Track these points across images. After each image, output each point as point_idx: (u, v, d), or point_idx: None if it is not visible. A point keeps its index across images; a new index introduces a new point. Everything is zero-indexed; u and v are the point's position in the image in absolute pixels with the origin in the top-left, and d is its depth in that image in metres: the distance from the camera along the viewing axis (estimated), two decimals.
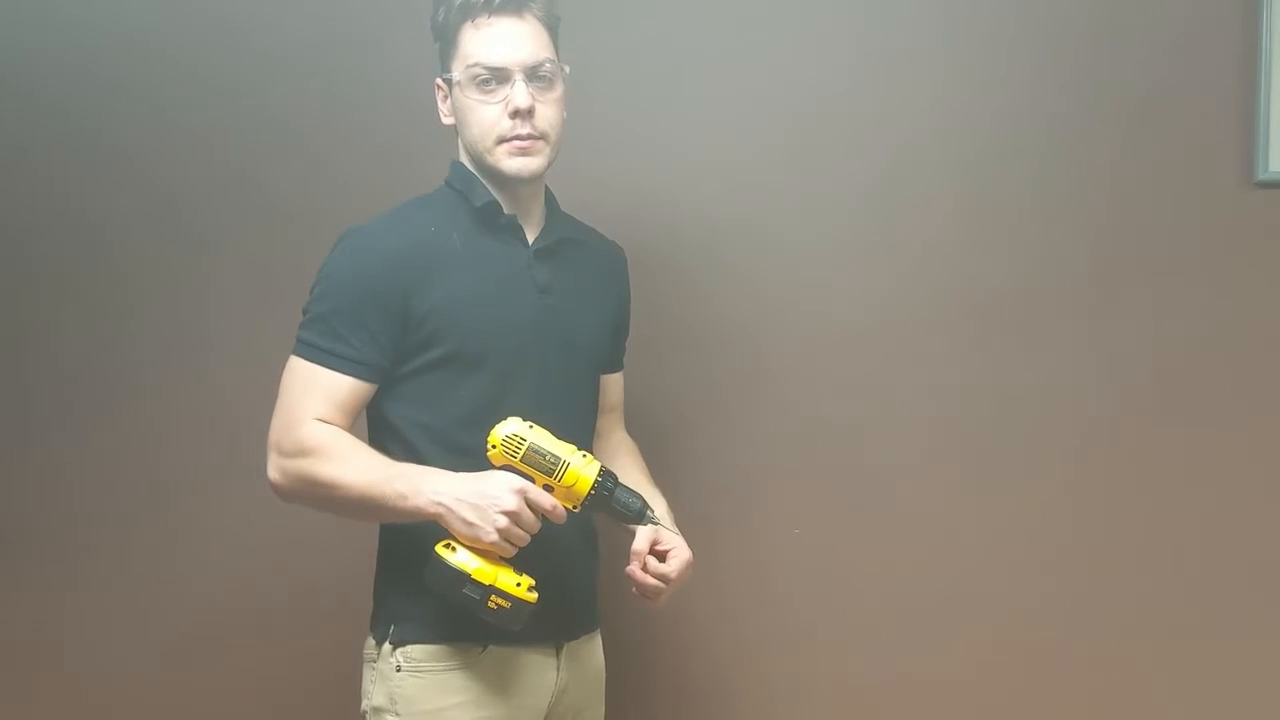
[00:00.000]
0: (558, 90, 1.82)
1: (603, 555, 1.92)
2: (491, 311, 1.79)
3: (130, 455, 2.38)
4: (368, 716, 1.80)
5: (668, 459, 2.12)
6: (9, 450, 2.42)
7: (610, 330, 1.97)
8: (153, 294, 2.37)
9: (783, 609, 2.22)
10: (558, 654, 1.84)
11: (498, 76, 1.78)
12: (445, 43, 1.82)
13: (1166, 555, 2.12)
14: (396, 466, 1.72)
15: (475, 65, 1.78)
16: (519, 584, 1.67)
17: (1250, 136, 2.07)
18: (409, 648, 1.76)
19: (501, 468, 1.68)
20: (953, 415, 2.18)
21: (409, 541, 1.74)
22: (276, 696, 2.32)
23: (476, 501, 1.64)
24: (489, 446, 1.67)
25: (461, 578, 1.65)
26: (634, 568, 1.80)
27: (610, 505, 1.70)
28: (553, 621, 1.77)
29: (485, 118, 1.79)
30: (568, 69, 1.84)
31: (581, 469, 1.68)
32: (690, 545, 1.84)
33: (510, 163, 1.79)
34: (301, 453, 1.72)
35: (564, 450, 1.68)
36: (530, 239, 1.86)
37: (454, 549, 1.67)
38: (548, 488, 1.67)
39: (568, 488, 1.67)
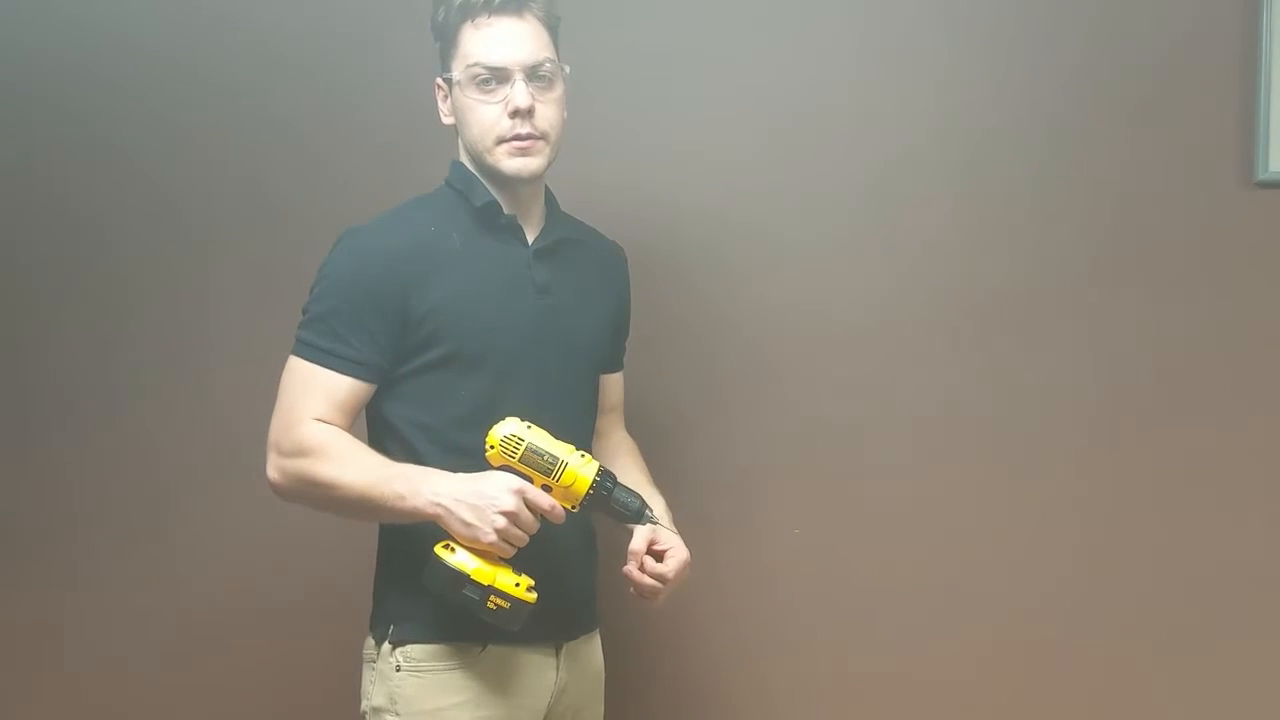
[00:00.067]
0: (558, 90, 1.82)
1: (602, 555, 1.92)
2: (491, 311, 1.79)
3: (130, 455, 2.38)
4: (367, 716, 1.80)
5: (668, 459, 2.12)
6: (9, 450, 2.42)
7: (610, 330, 1.97)
8: (153, 294, 2.37)
9: (782, 609, 2.22)
10: (557, 654, 1.84)
11: (498, 76, 1.78)
12: (445, 42, 1.82)
13: (1166, 555, 2.12)
14: (395, 467, 1.72)
15: (475, 65, 1.78)
16: (518, 584, 1.67)
17: (1250, 136, 2.07)
18: (408, 647, 1.76)
19: (500, 468, 1.68)
20: (953, 415, 2.18)
21: (409, 541, 1.74)
22: (276, 696, 2.32)
23: (475, 502, 1.64)
24: (487, 447, 1.67)
25: (460, 578, 1.65)
26: (631, 567, 1.80)
27: (608, 505, 1.70)
28: (552, 621, 1.77)
29: (485, 117, 1.79)
30: (568, 69, 1.84)
31: (580, 469, 1.68)
32: (690, 545, 1.84)
33: (510, 163, 1.79)
34: (301, 452, 1.73)
35: (562, 450, 1.68)
36: (530, 239, 1.85)
37: (453, 550, 1.67)
38: (546, 488, 1.67)
39: (566, 487, 1.67)
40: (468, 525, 1.64)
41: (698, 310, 2.24)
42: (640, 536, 1.80)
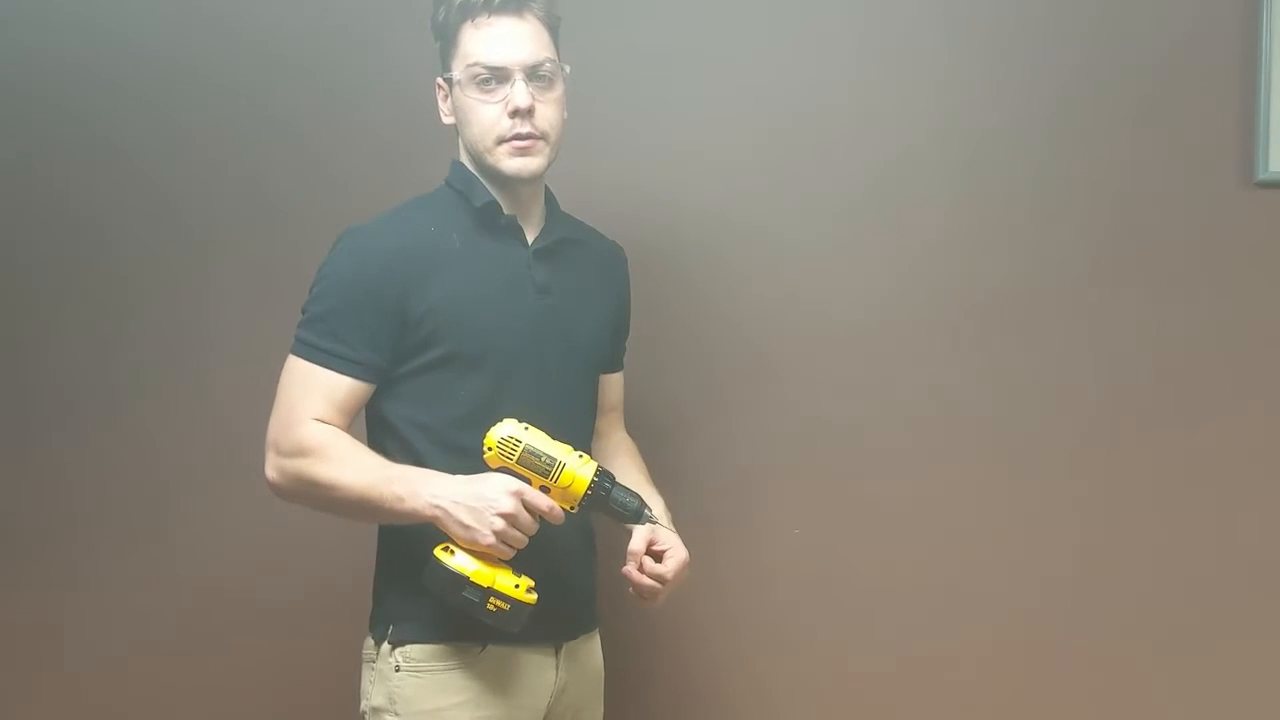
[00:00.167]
0: (558, 90, 1.82)
1: (601, 555, 1.92)
2: (491, 311, 1.79)
3: (130, 455, 2.38)
4: (367, 716, 1.80)
5: (668, 459, 2.12)
6: (9, 450, 2.42)
7: (610, 330, 1.97)
8: (153, 294, 2.37)
9: (782, 608, 2.22)
10: (557, 654, 1.83)
11: (498, 76, 1.77)
12: (445, 42, 1.82)
13: (1166, 555, 2.12)
14: (394, 468, 1.72)
15: (475, 65, 1.78)
16: (518, 585, 1.67)
17: (1250, 136, 2.07)
18: (408, 647, 1.76)
19: (498, 470, 1.68)
20: (953, 415, 2.18)
21: (408, 542, 1.74)
22: (276, 696, 2.32)
23: (473, 504, 1.64)
24: (485, 449, 1.67)
25: (460, 580, 1.65)
26: (630, 568, 1.79)
27: (607, 505, 1.70)
28: (552, 621, 1.77)
29: (485, 117, 1.79)
30: (568, 69, 1.84)
31: (578, 469, 1.67)
32: (690, 545, 1.84)
33: (510, 163, 1.79)
34: (300, 453, 1.73)
35: (560, 451, 1.68)
36: (530, 239, 1.85)
37: (452, 552, 1.66)
38: (544, 489, 1.67)
39: (564, 488, 1.67)
40: (466, 527, 1.64)
41: (698, 310, 2.24)
42: (639, 537, 1.79)
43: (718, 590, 2.17)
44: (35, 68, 2.40)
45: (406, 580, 1.72)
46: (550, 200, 1.91)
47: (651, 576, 1.79)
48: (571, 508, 1.69)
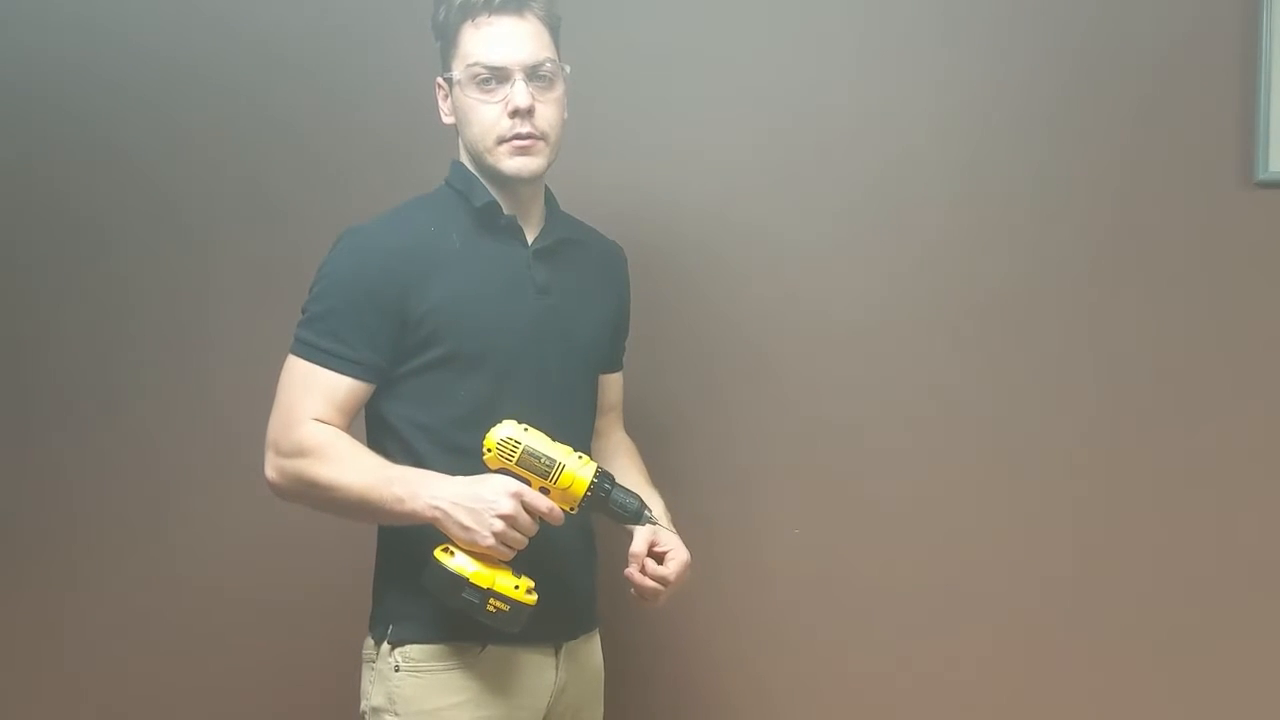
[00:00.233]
0: (558, 90, 1.82)
1: (601, 555, 1.92)
2: (490, 312, 1.79)
3: (130, 455, 2.38)
4: (367, 716, 1.80)
5: (668, 459, 2.12)
6: (9, 450, 2.42)
7: (610, 330, 1.97)
8: (153, 294, 2.37)
9: (782, 609, 2.22)
10: (557, 654, 1.83)
11: (498, 76, 1.77)
12: (446, 42, 1.82)
13: (1166, 555, 2.12)
14: (394, 469, 1.72)
15: (475, 64, 1.78)
16: (517, 586, 1.67)
17: (1250, 136, 2.07)
18: (407, 647, 1.76)
19: (497, 471, 1.68)
20: (953, 415, 2.18)
21: (408, 542, 1.74)
22: (276, 696, 2.33)
23: (472, 505, 1.64)
24: (484, 450, 1.67)
25: (460, 582, 1.65)
26: (632, 570, 1.79)
27: (607, 506, 1.70)
28: (552, 621, 1.77)
29: (485, 117, 1.79)
30: (568, 69, 1.83)
31: (577, 470, 1.67)
32: (690, 545, 1.84)
33: (510, 163, 1.79)
34: (299, 453, 1.72)
35: (559, 452, 1.68)
36: (530, 239, 1.85)
37: (452, 553, 1.66)
38: (544, 490, 1.67)
39: (564, 490, 1.67)
40: (465, 529, 1.64)
41: (698, 310, 2.24)
42: (641, 539, 1.79)
43: (718, 590, 2.17)
44: (35, 68, 2.40)
45: (406, 580, 1.72)
46: (550, 200, 1.91)
47: (653, 578, 1.80)
48: (571, 509, 1.69)
